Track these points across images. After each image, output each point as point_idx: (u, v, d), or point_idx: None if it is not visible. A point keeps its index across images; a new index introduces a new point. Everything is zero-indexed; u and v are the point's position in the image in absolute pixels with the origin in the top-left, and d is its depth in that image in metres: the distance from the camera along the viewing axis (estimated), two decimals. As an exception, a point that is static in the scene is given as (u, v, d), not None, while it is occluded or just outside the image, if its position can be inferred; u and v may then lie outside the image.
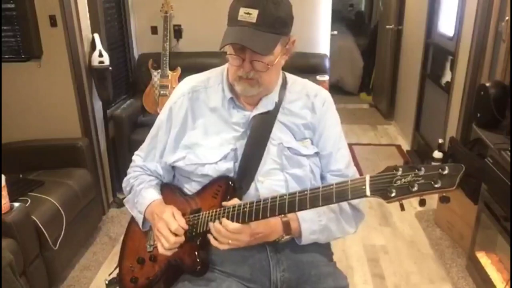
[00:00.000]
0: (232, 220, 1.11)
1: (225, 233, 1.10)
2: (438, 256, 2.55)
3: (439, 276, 2.39)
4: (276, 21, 1.11)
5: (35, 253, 2.06)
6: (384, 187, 0.92)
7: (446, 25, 3.35)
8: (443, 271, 2.42)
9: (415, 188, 0.89)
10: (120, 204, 3.04)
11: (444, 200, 0.91)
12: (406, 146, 4.15)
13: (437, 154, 3.03)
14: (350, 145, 3.97)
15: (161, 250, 1.18)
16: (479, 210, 2.25)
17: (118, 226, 2.84)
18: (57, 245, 2.17)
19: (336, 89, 5.55)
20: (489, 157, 2.09)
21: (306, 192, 1.03)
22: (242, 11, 1.10)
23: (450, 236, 2.70)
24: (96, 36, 2.78)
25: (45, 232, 2.08)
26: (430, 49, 3.67)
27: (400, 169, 0.91)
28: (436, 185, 0.87)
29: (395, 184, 0.91)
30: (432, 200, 3.12)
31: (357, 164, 3.69)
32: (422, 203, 0.94)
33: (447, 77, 3.27)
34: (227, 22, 1.15)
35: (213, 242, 1.14)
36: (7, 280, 1.70)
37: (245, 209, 1.10)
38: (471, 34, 2.68)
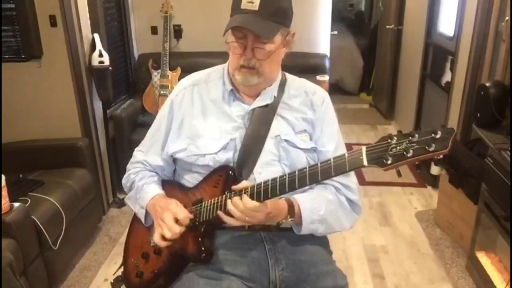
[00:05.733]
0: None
1: (243, 208, 1.09)
2: (438, 256, 2.55)
3: (439, 276, 2.39)
4: (278, 11, 1.18)
5: (35, 253, 2.06)
6: (380, 156, 0.93)
7: (446, 25, 3.35)
8: (443, 271, 2.42)
9: (410, 154, 0.90)
10: (120, 204, 3.04)
11: (438, 162, 0.94)
12: (406, 146, 4.14)
13: (437, 154, 3.03)
14: (350, 145, 3.99)
15: (157, 239, 1.19)
16: (479, 210, 2.25)
17: (118, 226, 2.85)
18: (57, 245, 2.17)
19: (336, 89, 5.55)
20: (489, 157, 2.09)
21: (305, 170, 1.05)
22: (245, 0, 1.15)
23: (450, 236, 2.70)
24: (96, 36, 2.78)
25: (45, 232, 2.08)
26: (430, 49, 3.67)
27: (395, 137, 0.93)
28: (430, 149, 0.89)
29: (390, 152, 0.92)
30: (432, 200, 3.13)
31: (357, 164, 3.68)
32: (398, 174, 0.98)
33: (447, 77, 3.27)
34: (231, 12, 1.20)
35: (226, 219, 1.13)
36: (7, 280, 1.70)
37: (253, 190, 1.10)
38: (471, 34, 2.68)
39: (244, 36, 1.18)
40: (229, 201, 1.13)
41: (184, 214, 1.18)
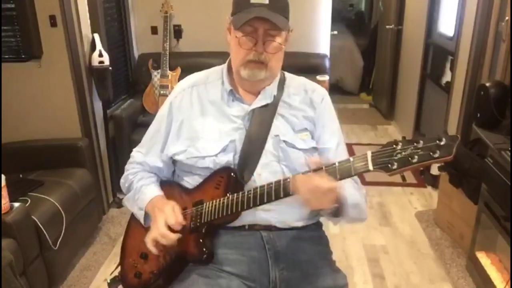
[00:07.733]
0: (248, 203, 1.13)
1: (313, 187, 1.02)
2: (438, 256, 2.55)
3: (439, 276, 2.39)
4: (286, 6, 1.23)
5: (35, 253, 2.06)
6: (386, 161, 0.95)
7: (446, 25, 3.36)
8: (443, 271, 2.42)
9: (415, 160, 0.92)
10: (120, 204, 3.04)
11: (442, 169, 0.95)
12: (406, 146, 4.14)
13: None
14: (350, 145, 3.99)
15: (149, 244, 1.19)
16: (479, 210, 2.25)
17: (118, 226, 2.85)
18: (57, 245, 2.17)
19: (336, 89, 5.55)
20: (489, 157, 2.08)
21: (309, 172, 1.04)
22: None
23: (450, 236, 2.70)
24: (96, 36, 2.78)
25: (45, 232, 2.08)
26: (430, 49, 3.67)
27: (400, 143, 0.94)
28: (434, 155, 0.91)
29: (395, 157, 0.94)
30: (432, 200, 3.13)
31: (357, 164, 3.68)
32: (403, 179, 0.98)
33: (447, 77, 3.27)
34: (236, 8, 1.21)
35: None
36: (7, 280, 1.71)
37: (255, 193, 1.11)
38: (471, 34, 2.68)
39: (254, 31, 1.18)
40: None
41: (174, 220, 1.17)
